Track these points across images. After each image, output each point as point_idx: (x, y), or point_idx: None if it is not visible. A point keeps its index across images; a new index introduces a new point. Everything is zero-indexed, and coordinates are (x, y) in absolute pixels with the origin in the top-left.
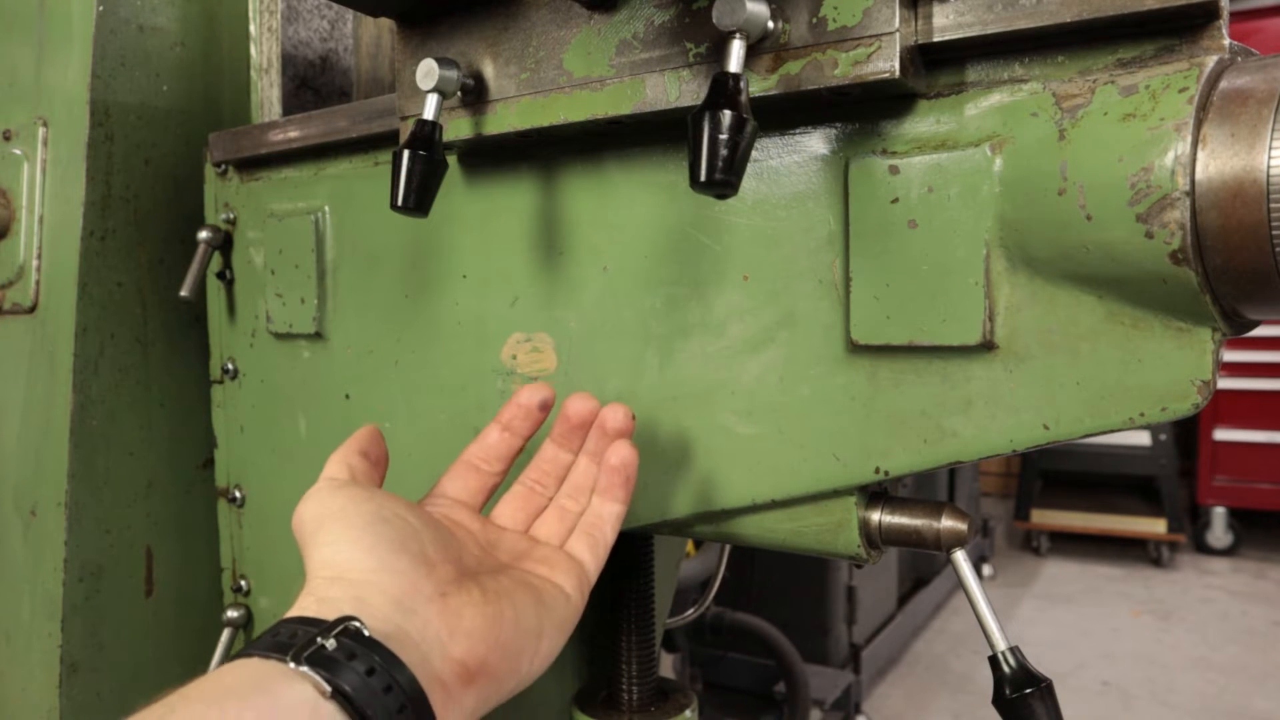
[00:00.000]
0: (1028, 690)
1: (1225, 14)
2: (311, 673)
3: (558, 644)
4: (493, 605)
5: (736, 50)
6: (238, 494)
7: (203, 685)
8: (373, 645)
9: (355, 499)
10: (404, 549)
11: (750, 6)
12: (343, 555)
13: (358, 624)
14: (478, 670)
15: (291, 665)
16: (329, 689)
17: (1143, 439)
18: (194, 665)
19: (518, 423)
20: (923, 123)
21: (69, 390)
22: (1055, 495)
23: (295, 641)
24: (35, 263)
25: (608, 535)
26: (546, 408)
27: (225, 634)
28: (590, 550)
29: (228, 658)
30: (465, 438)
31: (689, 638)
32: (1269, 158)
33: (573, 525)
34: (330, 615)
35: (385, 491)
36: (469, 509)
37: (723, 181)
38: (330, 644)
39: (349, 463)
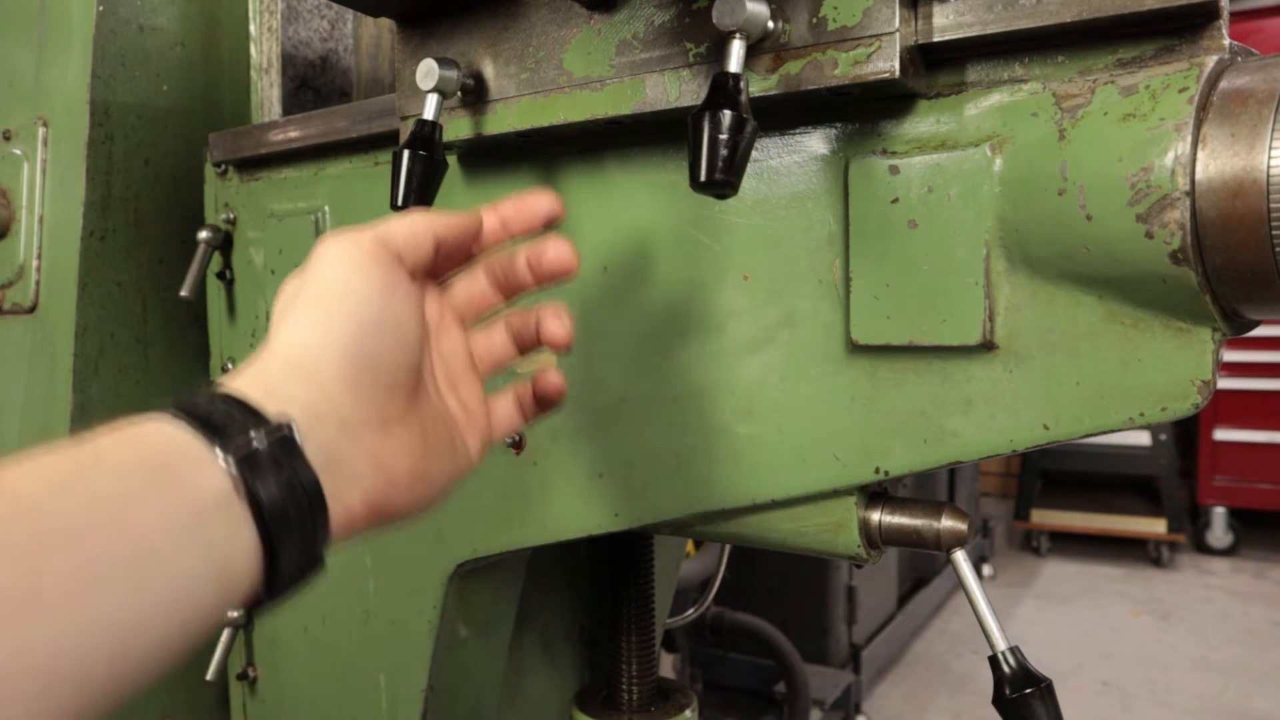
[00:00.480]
0: (1028, 690)
1: (1225, 14)
2: (233, 470)
3: (445, 492)
4: (422, 459)
5: (736, 50)
6: None
7: (119, 450)
8: (301, 463)
9: (372, 287)
10: (380, 370)
11: (750, 6)
12: (317, 350)
13: (297, 439)
14: (383, 510)
15: (218, 455)
16: (244, 490)
17: (1143, 439)
18: (194, 665)
19: (513, 222)
20: (923, 123)
21: (69, 390)
22: (1055, 495)
23: (230, 429)
24: (35, 263)
25: (524, 411)
26: (549, 222)
27: (225, 634)
28: (508, 421)
29: (227, 657)
30: None
31: (689, 638)
32: (1269, 158)
33: (503, 358)
34: (274, 408)
35: (404, 279)
36: (456, 313)
37: (723, 181)
38: (262, 444)
39: (411, 237)
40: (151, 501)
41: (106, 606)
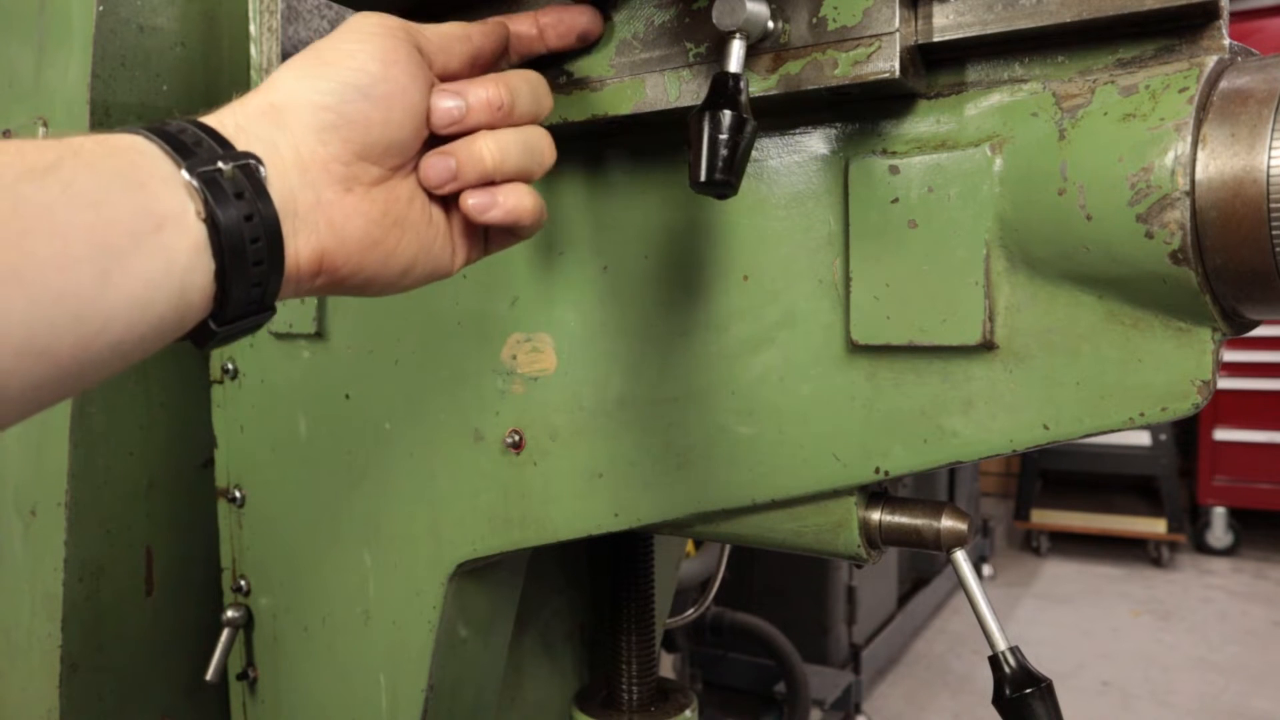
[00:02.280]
0: (1028, 690)
1: (1225, 14)
2: (198, 189)
3: (420, 284)
4: (379, 230)
5: (736, 50)
6: (238, 494)
7: (95, 149)
8: (262, 194)
9: (374, 57)
10: (353, 132)
11: (750, 6)
12: (296, 96)
13: (261, 169)
14: (328, 270)
15: (184, 174)
16: (204, 213)
17: (1143, 439)
18: (194, 665)
19: (551, 33)
20: (923, 123)
21: None
22: (1055, 495)
23: (199, 151)
24: None
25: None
26: (585, 40)
27: (225, 634)
28: (495, 240)
29: (227, 657)
30: (465, 438)
31: (689, 638)
32: (1269, 158)
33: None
34: (242, 144)
35: (415, 63)
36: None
37: (723, 181)
38: (227, 171)
39: (442, 40)
40: (122, 204)
41: (78, 291)
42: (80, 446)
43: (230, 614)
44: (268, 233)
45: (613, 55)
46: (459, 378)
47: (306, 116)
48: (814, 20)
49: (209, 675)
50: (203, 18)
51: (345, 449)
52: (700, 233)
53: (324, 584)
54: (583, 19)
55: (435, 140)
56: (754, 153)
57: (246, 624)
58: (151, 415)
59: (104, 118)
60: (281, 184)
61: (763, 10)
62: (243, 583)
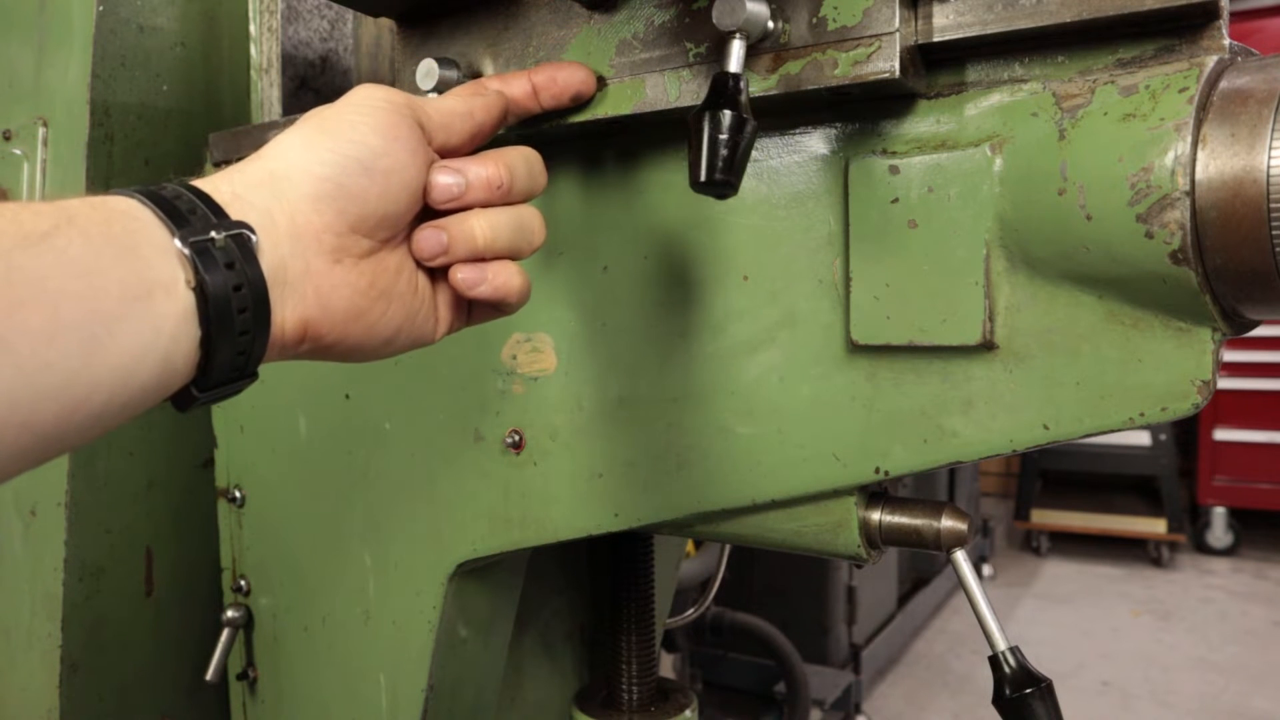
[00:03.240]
0: (1028, 690)
1: (1225, 14)
2: (190, 258)
3: (401, 352)
4: (365, 301)
5: (736, 50)
6: (238, 494)
7: (90, 215)
8: (252, 263)
9: (377, 131)
10: (350, 205)
11: (750, 6)
12: (295, 166)
13: (254, 238)
14: (312, 338)
15: (177, 243)
16: (194, 281)
17: (1143, 439)
18: (194, 665)
19: (545, 95)
20: (923, 123)
21: None
22: (1055, 495)
23: (193, 219)
24: None
25: (505, 302)
26: (578, 100)
27: (225, 634)
28: (479, 314)
29: (227, 657)
30: (465, 438)
31: (689, 638)
32: (1269, 158)
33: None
34: (236, 212)
35: (417, 140)
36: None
37: (723, 181)
38: (220, 241)
39: (444, 118)
40: (114, 272)
41: (64, 362)
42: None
43: (230, 614)
44: (255, 301)
45: (613, 55)
46: (459, 378)
47: (304, 186)
48: (814, 20)
49: (209, 675)
50: (203, 18)
51: (345, 449)
52: (700, 233)
53: (324, 584)
54: (576, 78)
55: (427, 212)
56: (754, 153)
57: (246, 624)
58: (151, 415)
59: (104, 118)
60: (273, 253)
61: (763, 10)
62: (243, 583)
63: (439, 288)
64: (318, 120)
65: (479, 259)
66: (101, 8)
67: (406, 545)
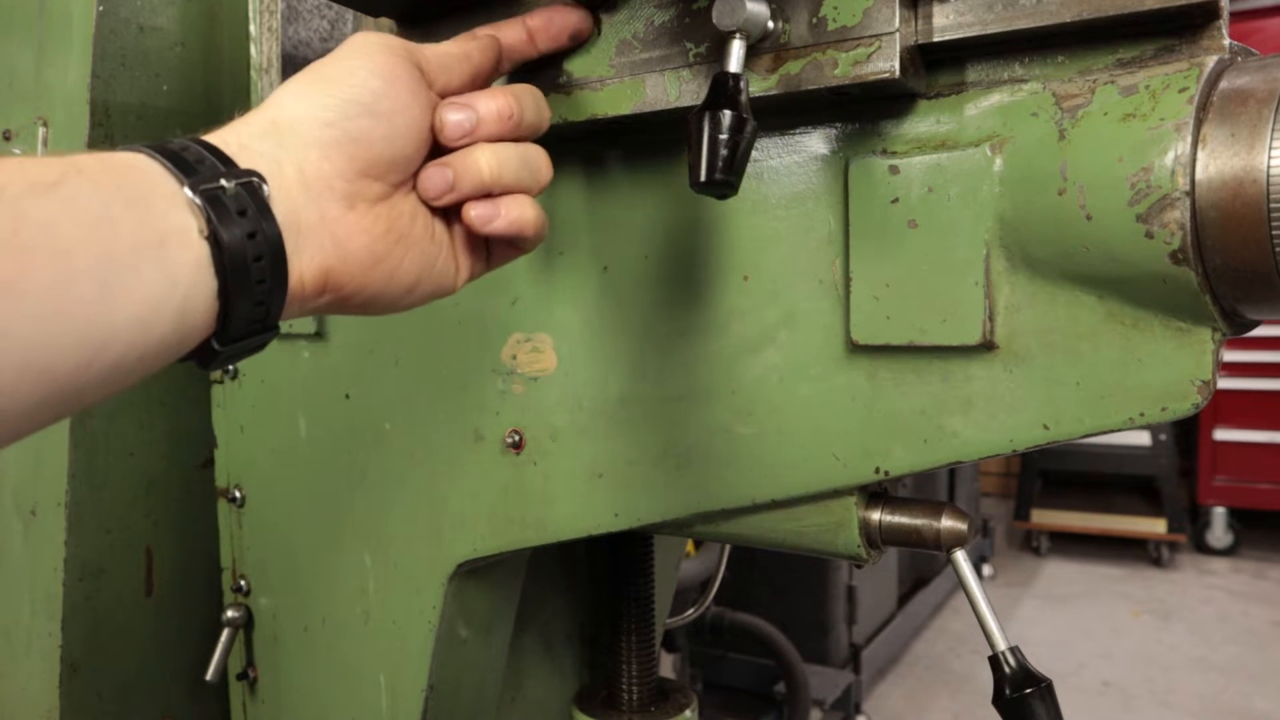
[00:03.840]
0: (1028, 690)
1: (1225, 14)
2: (201, 206)
3: (423, 302)
4: (382, 246)
5: (736, 50)
6: (238, 494)
7: (98, 167)
8: (265, 213)
9: (376, 74)
10: (358, 148)
11: (750, 6)
12: (299, 114)
13: (265, 187)
14: (332, 288)
15: (187, 192)
16: (207, 230)
17: (1143, 439)
18: (194, 665)
19: (542, 37)
20: (923, 123)
21: None
22: (1055, 495)
23: (201, 169)
24: None
25: (520, 240)
26: (577, 39)
27: (225, 634)
28: (498, 254)
29: (227, 657)
30: (465, 438)
31: (689, 638)
32: (1269, 158)
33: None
34: (245, 162)
35: (417, 81)
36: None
37: (723, 181)
38: (230, 189)
39: (442, 60)
40: (124, 220)
41: (79, 309)
42: (80, 446)
43: (230, 614)
44: (271, 251)
45: (613, 55)
46: (459, 378)
47: (309, 133)
48: (814, 20)
49: (209, 675)
50: (203, 18)
51: (345, 449)
52: (700, 233)
53: (324, 584)
54: (572, 18)
55: (434, 156)
56: (754, 153)
57: (246, 624)
58: (151, 415)
59: (104, 118)
60: (285, 201)
61: (763, 10)
62: (243, 583)
63: (455, 233)
64: (315, 70)
65: (488, 194)
66: (101, 8)
67: (406, 545)
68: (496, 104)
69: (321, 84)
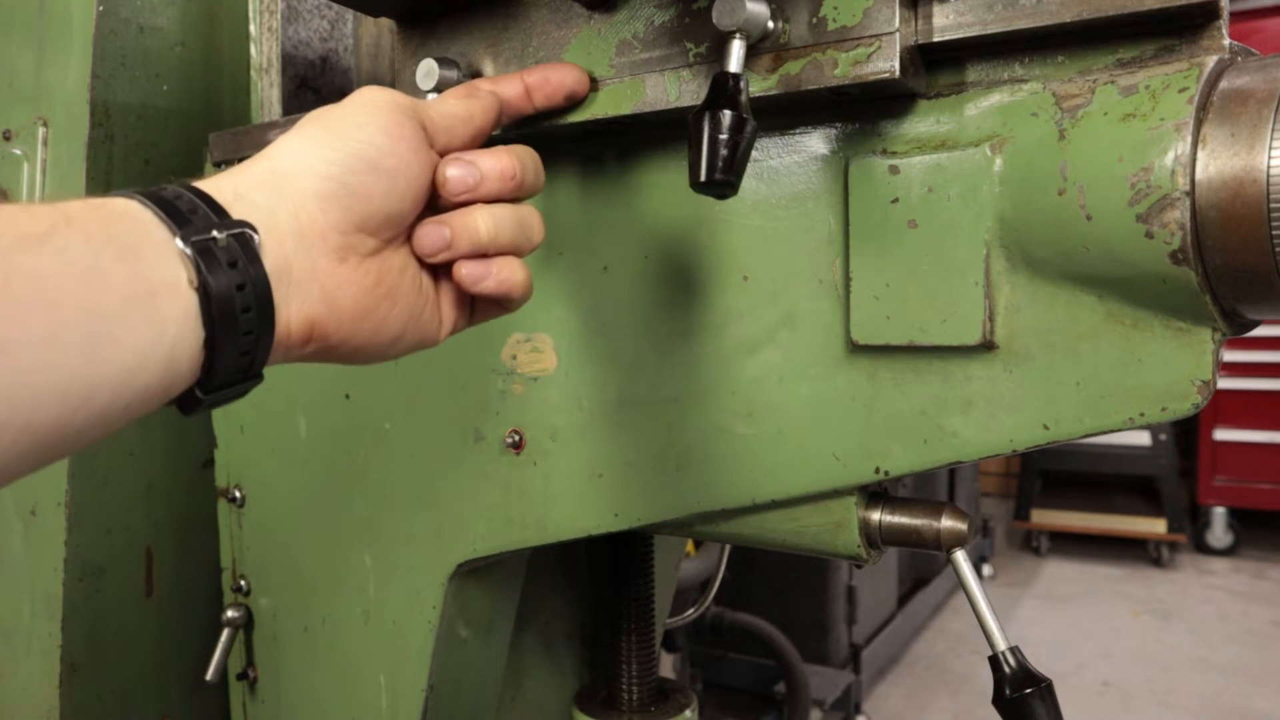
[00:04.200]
0: (1028, 690)
1: (1225, 14)
2: (192, 257)
3: (407, 353)
4: (371, 299)
5: (736, 50)
6: (238, 494)
7: (89, 216)
8: (255, 263)
9: (382, 130)
10: (355, 203)
11: (750, 6)
12: (299, 164)
13: (256, 239)
14: (319, 338)
15: (179, 243)
16: (197, 281)
17: (1143, 439)
18: (194, 665)
19: (538, 95)
20: (923, 123)
21: None
22: (1055, 495)
23: (194, 219)
24: None
25: (508, 298)
26: (572, 99)
27: (225, 634)
28: (481, 312)
29: (227, 657)
30: (465, 438)
31: (689, 638)
32: (1269, 158)
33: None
34: (239, 212)
35: (420, 141)
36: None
37: (723, 181)
38: (222, 240)
39: (445, 120)
40: (115, 272)
41: (65, 363)
42: None
43: (230, 614)
44: (259, 301)
45: (613, 55)
46: (459, 378)
47: (308, 184)
48: (814, 20)
49: (209, 675)
50: (203, 18)
51: (345, 449)
52: (700, 233)
53: (324, 584)
54: (569, 78)
55: (428, 213)
56: (754, 153)
57: (246, 624)
58: (152, 416)
59: (104, 118)
60: (277, 251)
61: (763, 10)
62: (243, 583)
63: (442, 287)
64: (322, 120)
65: (482, 254)
66: (101, 8)
67: (406, 545)
68: (500, 164)
69: (326, 134)
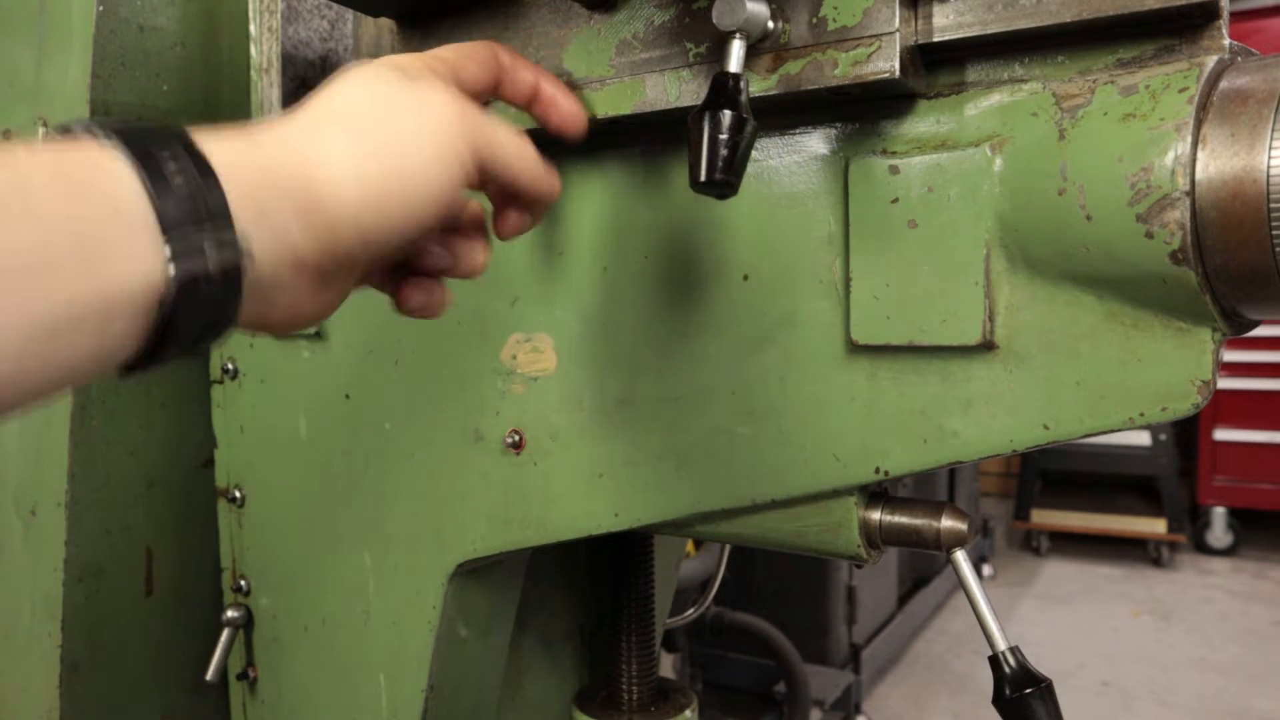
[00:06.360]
0: (1028, 690)
1: (1225, 14)
2: (174, 296)
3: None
4: (327, 311)
5: (736, 50)
6: (238, 494)
7: (60, 188)
8: (233, 296)
9: (448, 182)
10: (372, 252)
11: (750, 6)
12: (348, 201)
13: (245, 275)
14: (264, 329)
15: (171, 270)
16: (168, 315)
17: (1143, 439)
18: (194, 665)
19: (537, 108)
20: (923, 123)
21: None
22: (1055, 495)
23: (192, 236)
24: None
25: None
26: (559, 134)
27: (225, 634)
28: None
29: (227, 657)
30: (465, 438)
31: (689, 638)
32: (1269, 158)
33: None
34: (247, 220)
35: (469, 174)
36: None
37: (723, 181)
38: (214, 275)
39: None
40: (79, 280)
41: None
42: (80, 446)
43: (230, 614)
44: (221, 328)
45: (613, 55)
46: (459, 378)
47: (341, 228)
48: (814, 20)
49: (209, 675)
50: (203, 18)
51: (345, 449)
52: (700, 233)
53: (324, 584)
54: (573, 120)
55: None
56: (754, 153)
57: (246, 624)
58: (151, 415)
59: (104, 117)
60: (265, 270)
61: (763, 10)
62: (243, 583)
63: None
64: (393, 149)
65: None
66: (101, 8)
67: (406, 545)
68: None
69: (393, 180)
